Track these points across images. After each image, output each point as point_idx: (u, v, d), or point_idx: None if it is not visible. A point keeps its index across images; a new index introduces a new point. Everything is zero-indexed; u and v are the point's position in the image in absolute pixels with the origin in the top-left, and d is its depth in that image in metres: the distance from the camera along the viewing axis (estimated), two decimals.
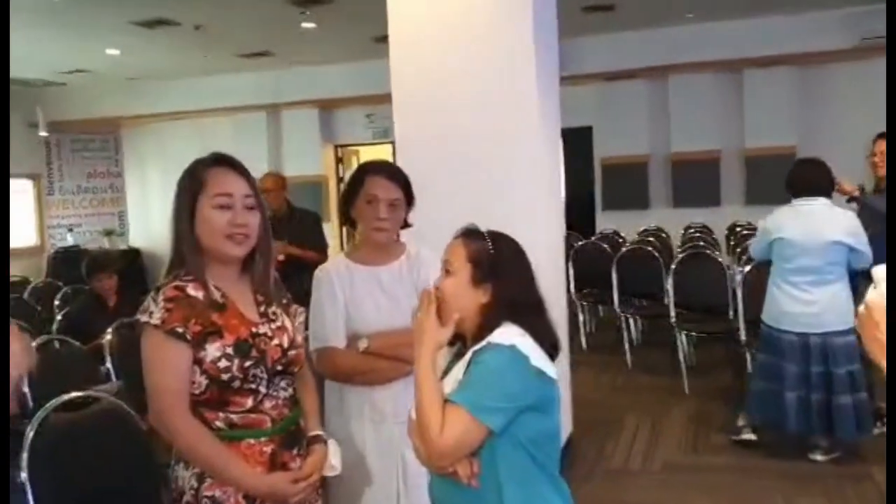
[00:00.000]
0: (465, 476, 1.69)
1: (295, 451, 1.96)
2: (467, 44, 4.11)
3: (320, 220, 5.63)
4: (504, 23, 4.07)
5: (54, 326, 4.65)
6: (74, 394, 2.37)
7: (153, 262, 12.11)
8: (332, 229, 11.37)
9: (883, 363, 1.00)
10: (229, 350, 1.83)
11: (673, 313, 5.81)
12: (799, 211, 4.21)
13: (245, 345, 1.86)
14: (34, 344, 3.48)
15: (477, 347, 1.73)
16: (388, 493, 2.42)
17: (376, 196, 2.42)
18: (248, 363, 1.85)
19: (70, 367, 3.47)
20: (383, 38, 8.25)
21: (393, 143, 11.21)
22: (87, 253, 10.57)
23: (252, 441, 1.87)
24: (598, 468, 4.42)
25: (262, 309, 1.97)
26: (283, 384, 1.94)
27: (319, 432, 2.07)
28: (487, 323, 1.75)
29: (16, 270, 9.63)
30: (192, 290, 1.86)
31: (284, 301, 2.06)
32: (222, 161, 1.96)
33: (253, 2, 7.13)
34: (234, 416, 1.86)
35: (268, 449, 1.89)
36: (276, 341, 1.93)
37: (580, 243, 7.66)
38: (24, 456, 2.07)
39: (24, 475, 2.07)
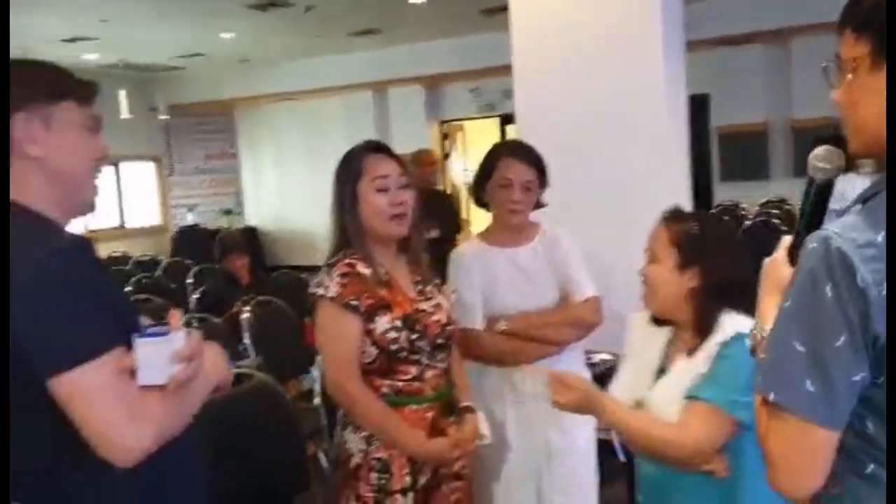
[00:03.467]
0: (722, 471, 1.64)
1: (451, 420, 2.06)
2: (590, 9, 4.01)
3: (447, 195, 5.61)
4: None
5: (190, 304, 4.86)
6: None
7: (268, 239, 12.51)
8: None
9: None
10: (398, 323, 1.97)
11: None
12: None
13: (411, 319, 2.00)
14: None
15: (724, 340, 1.65)
16: (531, 470, 2.45)
17: (510, 179, 2.41)
18: (414, 336, 1.99)
19: None
20: (491, 11, 8.29)
21: (500, 116, 11.34)
22: (208, 231, 11.04)
23: (415, 407, 2.01)
24: None
25: (420, 287, 2.09)
26: (440, 357, 2.06)
27: (470, 403, 2.14)
28: (702, 309, 1.69)
29: (142, 249, 10.14)
30: (362, 268, 1.99)
31: (437, 281, 2.17)
32: (374, 147, 2.10)
33: None
34: (399, 384, 2.00)
35: (429, 415, 2.02)
36: (435, 317, 2.05)
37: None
38: None
39: None
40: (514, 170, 2.42)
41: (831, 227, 1.03)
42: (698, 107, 9.43)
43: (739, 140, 9.63)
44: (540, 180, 2.47)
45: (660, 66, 4.02)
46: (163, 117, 11.03)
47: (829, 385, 0.99)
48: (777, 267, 1.24)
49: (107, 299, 1.33)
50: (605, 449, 2.82)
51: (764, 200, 8.74)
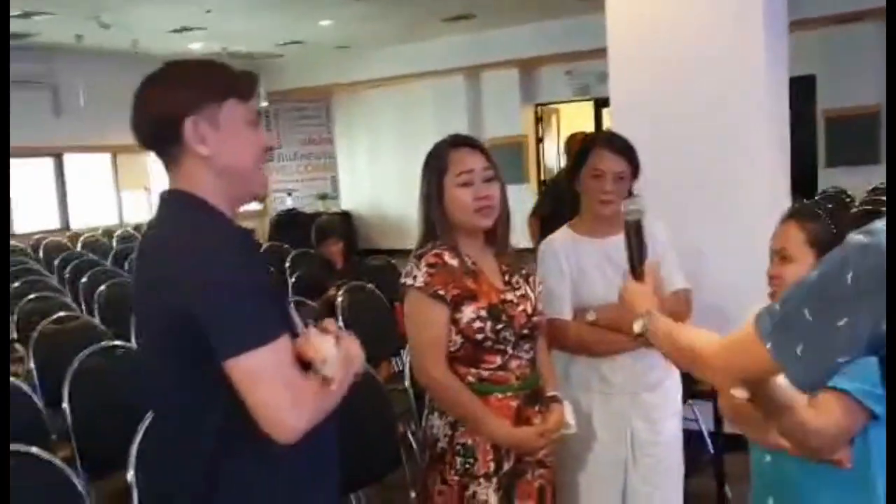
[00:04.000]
0: (847, 461, 1.62)
1: (536, 408, 2.09)
2: None
3: None
4: None
5: (289, 288, 5.04)
6: None
7: (362, 223, 12.77)
8: (530, 192, 11.40)
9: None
10: (483, 313, 2.01)
11: None
12: None
13: (496, 309, 2.03)
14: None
15: None
16: (616, 462, 2.43)
17: (602, 170, 2.41)
18: (499, 326, 2.01)
19: None
20: None
21: (595, 99, 11.15)
22: (305, 215, 11.33)
23: (500, 395, 2.04)
24: None
25: (506, 278, 2.12)
26: (526, 347, 2.09)
27: (557, 393, 2.17)
28: None
29: None
30: (449, 258, 2.04)
31: (524, 271, 2.17)
32: (459, 141, 2.12)
33: None
34: (484, 372, 2.04)
35: (514, 404, 2.05)
36: (521, 307, 2.08)
37: (804, 203, 7.17)
38: None
39: None
40: (607, 161, 2.41)
41: (881, 222, 1.10)
42: (803, 89, 9.07)
43: (848, 123, 9.20)
44: (632, 171, 2.45)
45: (760, 47, 3.90)
46: (263, 104, 11.39)
47: (814, 358, 1.14)
48: (633, 288, 1.64)
49: (269, 289, 1.43)
50: (692, 440, 2.79)
51: (871, 187, 8.34)
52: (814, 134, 9.49)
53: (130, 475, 2.27)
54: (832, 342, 1.12)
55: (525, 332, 2.07)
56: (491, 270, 2.11)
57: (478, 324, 2.00)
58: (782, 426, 1.61)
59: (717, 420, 3.51)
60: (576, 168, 2.50)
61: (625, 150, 2.44)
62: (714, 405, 3.57)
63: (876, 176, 8.79)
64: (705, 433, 3.68)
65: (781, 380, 1.63)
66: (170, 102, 1.41)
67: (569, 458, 2.41)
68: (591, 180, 2.43)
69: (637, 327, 1.54)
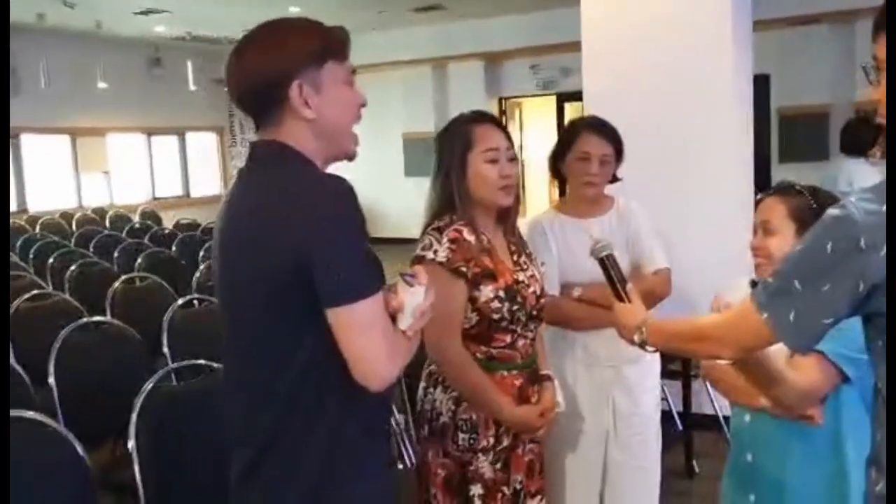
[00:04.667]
0: (818, 419, 1.71)
1: (535, 388, 2.14)
2: None
3: None
4: None
5: None
6: None
7: None
8: None
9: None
10: (501, 293, 2.02)
11: None
12: None
13: (512, 290, 2.05)
14: None
15: None
16: (599, 432, 2.55)
17: (588, 153, 2.52)
18: (514, 307, 2.03)
19: None
20: None
21: (557, 94, 11.25)
22: None
23: (505, 373, 2.07)
24: None
25: (515, 258, 2.14)
26: (532, 327, 2.12)
27: (549, 371, 2.22)
28: None
29: (205, 217, 10.30)
30: (467, 235, 2.03)
31: (528, 251, 2.21)
32: (484, 118, 2.13)
33: None
34: (493, 350, 2.06)
35: (517, 382, 2.08)
36: (531, 289, 2.11)
37: (758, 197, 7.41)
38: None
39: None
40: (593, 144, 2.52)
41: (851, 197, 1.24)
42: (759, 87, 9.32)
43: (800, 121, 9.51)
44: (616, 155, 2.57)
45: (728, 45, 4.07)
46: (227, 89, 11.30)
47: (805, 323, 1.27)
48: (622, 308, 1.70)
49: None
50: (662, 418, 2.92)
51: (819, 183, 8.66)
52: (768, 131, 9.78)
53: (131, 444, 2.30)
54: (819, 306, 1.25)
55: (534, 312, 2.10)
56: (502, 249, 2.12)
57: (496, 304, 2.01)
58: (770, 392, 1.70)
59: (686, 400, 3.67)
60: (562, 151, 2.60)
61: (610, 134, 2.55)
62: (683, 385, 3.74)
63: (825, 172, 9.11)
64: (674, 412, 3.84)
65: (765, 351, 1.77)
66: (273, 66, 1.41)
67: (554, 429, 2.49)
68: (578, 163, 2.54)
69: (637, 339, 1.64)
